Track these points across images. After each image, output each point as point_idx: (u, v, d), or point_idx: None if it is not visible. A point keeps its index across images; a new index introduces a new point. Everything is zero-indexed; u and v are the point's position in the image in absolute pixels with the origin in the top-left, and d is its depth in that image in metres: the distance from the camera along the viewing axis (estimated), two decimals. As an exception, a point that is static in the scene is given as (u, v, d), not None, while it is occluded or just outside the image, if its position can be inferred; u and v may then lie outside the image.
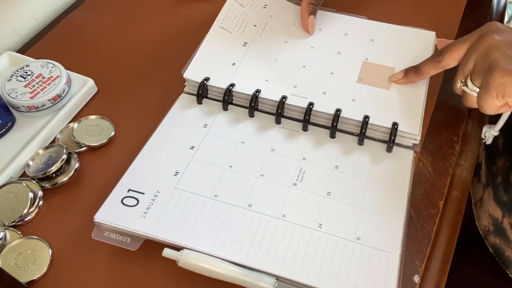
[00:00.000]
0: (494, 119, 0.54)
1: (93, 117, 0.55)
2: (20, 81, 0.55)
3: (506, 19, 0.75)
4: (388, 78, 0.54)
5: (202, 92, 0.53)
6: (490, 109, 0.45)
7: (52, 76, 0.55)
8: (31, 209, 0.47)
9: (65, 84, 0.55)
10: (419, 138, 0.50)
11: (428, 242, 0.44)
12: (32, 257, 0.44)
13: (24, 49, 0.64)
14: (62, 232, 0.46)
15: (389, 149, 0.50)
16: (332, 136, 0.51)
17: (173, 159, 0.49)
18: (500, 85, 0.43)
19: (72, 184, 0.50)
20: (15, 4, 0.65)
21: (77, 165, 0.50)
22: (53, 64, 0.57)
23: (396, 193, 0.46)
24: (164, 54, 0.62)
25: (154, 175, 0.47)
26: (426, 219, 0.46)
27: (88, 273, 0.43)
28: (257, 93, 0.52)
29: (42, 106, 0.54)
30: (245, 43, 0.58)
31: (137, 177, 0.47)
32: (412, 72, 0.52)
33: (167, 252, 0.42)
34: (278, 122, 0.52)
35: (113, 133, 0.53)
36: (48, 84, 0.54)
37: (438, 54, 0.49)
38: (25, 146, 0.51)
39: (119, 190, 0.46)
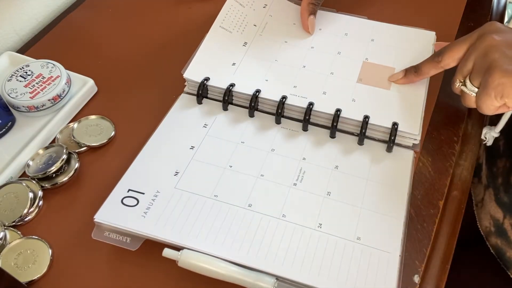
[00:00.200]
0: (494, 120, 0.54)
1: (93, 117, 0.55)
2: (20, 81, 0.55)
3: (506, 19, 0.75)
4: (388, 78, 0.54)
5: (202, 92, 0.53)
6: (488, 109, 0.45)
7: (52, 76, 0.55)
8: (31, 209, 0.47)
9: (65, 84, 0.55)
10: (419, 138, 0.50)
11: (428, 242, 0.44)
12: (32, 257, 0.44)
13: (24, 49, 0.64)
14: (62, 232, 0.46)
15: (389, 149, 0.50)
16: (332, 136, 0.51)
17: (173, 159, 0.49)
18: (499, 86, 0.43)
19: (72, 184, 0.50)
20: (15, 4, 0.65)
21: (77, 165, 0.50)
22: (53, 64, 0.57)
23: (396, 193, 0.46)
24: (164, 54, 0.62)
25: (154, 175, 0.47)
26: (426, 219, 0.46)
27: (88, 273, 0.43)
28: (257, 93, 0.52)
29: (42, 106, 0.54)
30: (245, 43, 0.58)
31: (137, 177, 0.47)
32: (412, 72, 0.52)
33: (167, 252, 0.42)
34: (278, 122, 0.52)
35: (113, 133, 0.53)
36: (48, 84, 0.54)
37: (438, 54, 0.49)
38: (25, 146, 0.51)
39: (119, 190, 0.46)
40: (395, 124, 0.49)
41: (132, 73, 0.60)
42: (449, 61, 0.49)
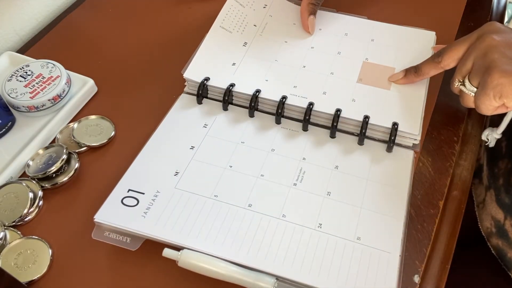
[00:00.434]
0: (495, 120, 0.54)
1: (93, 117, 0.55)
2: (20, 81, 0.55)
3: (506, 19, 0.75)
4: (388, 78, 0.54)
5: (202, 92, 0.53)
6: (486, 109, 0.45)
7: (52, 76, 0.55)
8: (31, 209, 0.47)
9: (65, 84, 0.55)
10: (419, 138, 0.50)
11: (428, 242, 0.44)
12: (32, 257, 0.44)
13: (24, 49, 0.64)
14: (62, 232, 0.46)
15: (389, 149, 0.50)
16: (332, 136, 0.51)
17: (173, 159, 0.49)
18: (497, 86, 0.42)
19: (72, 184, 0.50)
20: (15, 4, 0.65)
21: (77, 165, 0.50)
22: (53, 64, 0.57)
23: (396, 193, 0.46)
24: (164, 54, 0.62)
25: (154, 175, 0.47)
26: (426, 219, 0.46)
27: (88, 273, 0.43)
28: (257, 93, 0.52)
29: (42, 106, 0.54)
30: (245, 43, 0.58)
31: (137, 177, 0.47)
32: (412, 72, 0.52)
33: (167, 252, 0.42)
34: (278, 122, 0.52)
35: (113, 133, 0.53)
36: (48, 84, 0.54)
37: (438, 54, 0.49)
38: (25, 146, 0.51)
39: (119, 190, 0.46)
40: (395, 124, 0.49)
41: (132, 73, 0.60)
42: (449, 62, 0.49)
